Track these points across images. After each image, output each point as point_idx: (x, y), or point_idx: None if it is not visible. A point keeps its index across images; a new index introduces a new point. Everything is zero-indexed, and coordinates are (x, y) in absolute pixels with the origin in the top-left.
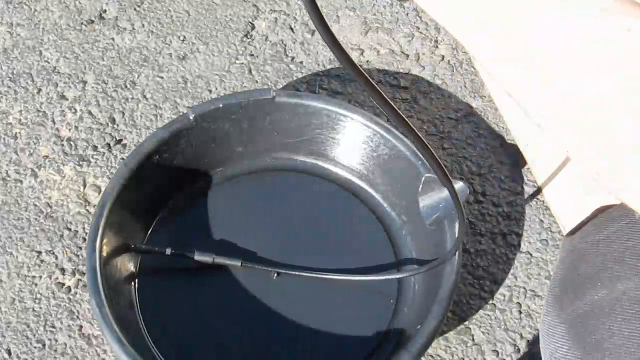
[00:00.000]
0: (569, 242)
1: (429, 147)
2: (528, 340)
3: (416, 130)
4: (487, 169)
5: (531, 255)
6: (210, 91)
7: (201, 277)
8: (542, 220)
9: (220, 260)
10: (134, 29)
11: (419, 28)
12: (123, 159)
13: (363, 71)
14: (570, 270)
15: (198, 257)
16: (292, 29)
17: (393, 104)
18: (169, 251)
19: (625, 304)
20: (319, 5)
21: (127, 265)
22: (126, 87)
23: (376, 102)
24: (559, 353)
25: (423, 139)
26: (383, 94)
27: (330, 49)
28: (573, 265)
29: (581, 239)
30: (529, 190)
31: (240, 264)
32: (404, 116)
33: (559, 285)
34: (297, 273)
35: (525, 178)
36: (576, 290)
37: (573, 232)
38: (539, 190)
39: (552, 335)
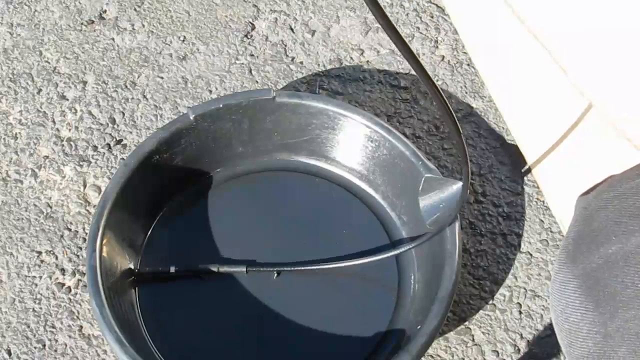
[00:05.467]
0: (582, 201)
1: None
2: (528, 340)
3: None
4: (487, 169)
5: (531, 255)
6: (210, 91)
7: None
8: (542, 220)
9: (224, 269)
10: (134, 29)
11: (419, 28)
12: (123, 159)
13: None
14: (583, 227)
15: (202, 268)
16: (292, 29)
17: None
18: (172, 269)
19: (639, 257)
20: None
21: (127, 265)
22: (126, 87)
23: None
24: (570, 308)
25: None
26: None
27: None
28: (586, 222)
29: (594, 197)
30: (529, 190)
31: (245, 270)
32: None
33: (571, 242)
34: (295, 268)
35: (525, 178)
36: (589, 245)
37: (586, 193)
38: (539, 190)
39: (563, 291)
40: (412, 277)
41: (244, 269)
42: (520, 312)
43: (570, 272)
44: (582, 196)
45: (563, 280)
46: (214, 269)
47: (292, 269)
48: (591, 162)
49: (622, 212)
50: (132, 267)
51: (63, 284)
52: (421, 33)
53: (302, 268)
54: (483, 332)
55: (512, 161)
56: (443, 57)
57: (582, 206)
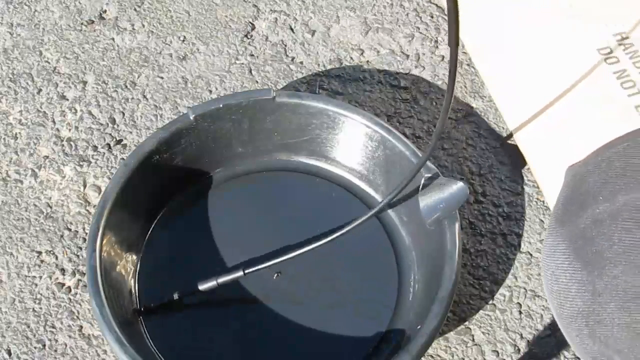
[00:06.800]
0: (570, 170)
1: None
2: (528, 340)
3: None
4: (487, 169)
5: (531, 255)
6: (210, 91)
7: None
8: (542, 220)
9: (223, 279)
10: (134, 29)
11: (419, 28)
12: (123, 159)
13: None
14: (571, 192)
15: (202, 287)
16: (292, 29)
17: None
18: (176, 296)
19: (626, 214)
20: None
21: (127, 265)
22: (126, 87)
23: None
24: (560, 269)
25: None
26: None
27: None
28: (574, 187)
29: (582, 164)
30: (529, 190)
31: (243, 273)
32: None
33: (560, 207)
34: (282, 258)
35: (525, 178)
36: (577, 207)
37: (575, 164)
38: (539, 190)
39: (553, 254)
40: (412, 277)
41: (242, 272)
42: (520, 312)
43: (560, 235)
44: (570, 166)
45: (552, 244)
46: (214, 282)
47: (278, 260)
48: None
49: (608, 174)
50: (132, 267)
51: (63, 284)
52: (421, 33)
53: (285, 257)
54: (483, 332)
55: (512, 161)
56: (443, 57)
57: (570, 174)
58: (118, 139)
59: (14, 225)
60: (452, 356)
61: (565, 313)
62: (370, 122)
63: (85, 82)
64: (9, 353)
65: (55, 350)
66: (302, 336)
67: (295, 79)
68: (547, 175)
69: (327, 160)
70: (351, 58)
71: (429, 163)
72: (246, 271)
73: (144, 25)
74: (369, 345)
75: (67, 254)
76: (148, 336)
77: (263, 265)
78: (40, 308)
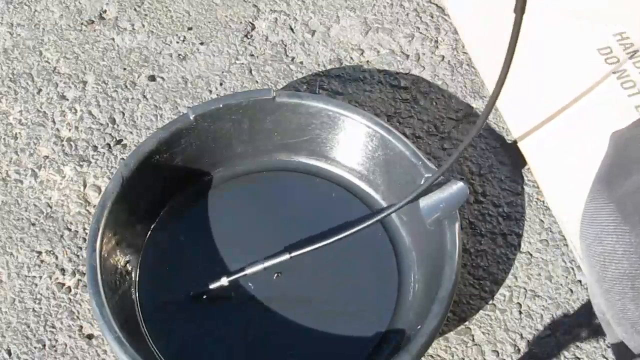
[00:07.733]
0: (614, 136)
1: None
2: (528, 340)
3: None
4: (487, 169)
5: (531, 255)
6: (210, 91)
7: None
8: (542, 220)
9: (232, 277)
10: (133, 29)
11: (419, 28)
12: (123, 159)
13: None
14: (617, 155)
15: (213, 286)
16: (292, 29)
17: None
18: (182, 297)
19: None
20: None
21: (127, 264)
22: (126, 87)
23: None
24: (605, 232)
25: None
26: None
27: None
28: (620, 152)
29: (626, 130)
30: (529, 190)
31: (250, 271)
32: None
33: (605, 171)
34: (278, 260)
35: (525, 178)
36: (625, 170)
37: (618, 131)
38: (539, 190)
39: (596, 217)
40: (412, 277)
41: (249, 270)
42: (520, 312)
43: (605, 198)
44: (614, 133)
45: (596, 207)
46: (224, 282)
47: (282, 258)
48: (592, 161)
49: None
50: (133, 267)
51: (63, 284)
52: (421, 33)
53: (288, 256)
54: (483, 332)
55: (512, 161)
56: (443, 57)
57: (614, 140)
58: (118, 139)
59: (14, 225)
60: (452, 356)
61: (609, 275)
62: (370, 122)
63: (85, 82)
64: (9, 353)
65: (55, 350)
66: (302, 336)
67: (295, 79)
68: (547, 175)
69: (327, 160)
70: (351, 58)
71: (429, 163)
72: (249, 270)
73: (144, 25)
74: (369, 345)
75: (67, 254)
76: (148, 336)
77: (267, 264)
78: (40, 308)
